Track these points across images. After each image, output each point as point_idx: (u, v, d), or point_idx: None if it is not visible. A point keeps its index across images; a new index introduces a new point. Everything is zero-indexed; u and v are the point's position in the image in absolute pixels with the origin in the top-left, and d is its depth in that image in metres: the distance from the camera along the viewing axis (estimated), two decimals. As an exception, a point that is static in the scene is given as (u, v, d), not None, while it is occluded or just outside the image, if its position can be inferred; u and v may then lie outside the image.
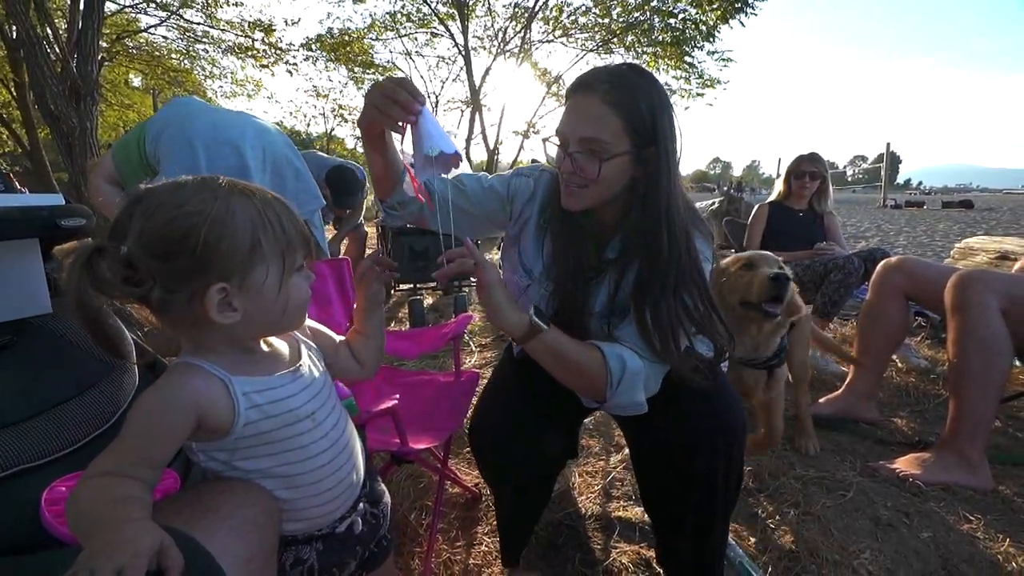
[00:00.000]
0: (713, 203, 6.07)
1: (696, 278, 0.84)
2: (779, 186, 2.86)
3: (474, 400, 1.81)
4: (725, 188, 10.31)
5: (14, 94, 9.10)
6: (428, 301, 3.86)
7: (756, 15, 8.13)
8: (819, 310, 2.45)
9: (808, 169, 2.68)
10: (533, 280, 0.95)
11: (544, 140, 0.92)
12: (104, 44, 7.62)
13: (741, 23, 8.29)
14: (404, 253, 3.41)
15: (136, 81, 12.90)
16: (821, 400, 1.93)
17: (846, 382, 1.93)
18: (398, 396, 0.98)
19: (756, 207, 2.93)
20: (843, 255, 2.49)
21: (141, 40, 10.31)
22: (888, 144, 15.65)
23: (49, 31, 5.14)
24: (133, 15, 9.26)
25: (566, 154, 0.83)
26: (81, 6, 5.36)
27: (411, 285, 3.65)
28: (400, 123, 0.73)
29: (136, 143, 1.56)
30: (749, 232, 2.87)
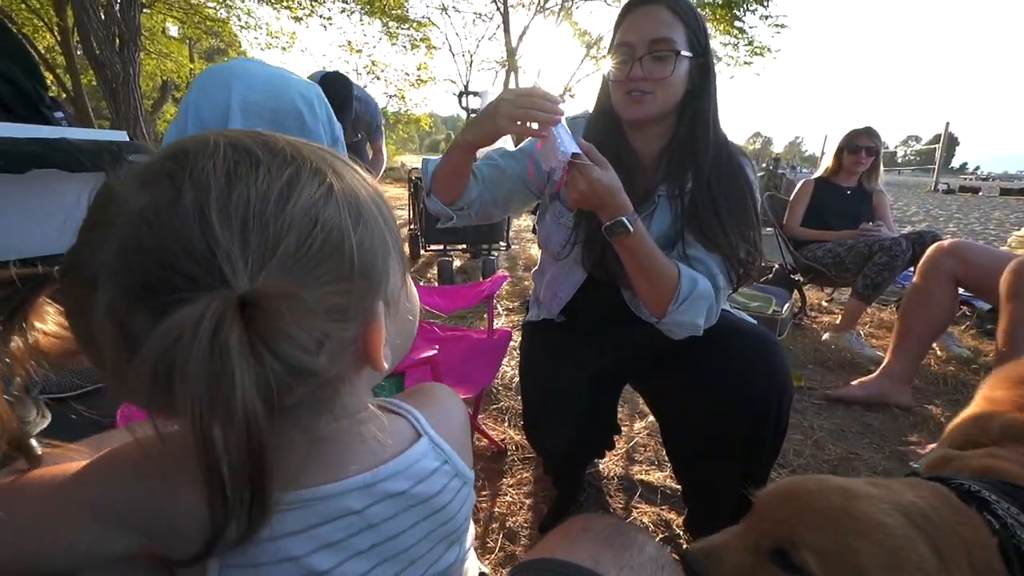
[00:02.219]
0: (752, 178, 5.83)
1: (746, 186, 0.92)
2: (827, 161, 2.73)
3: (505, 360, 1.85)
4: (764, 164, 9.84)
5: (58, 39, 9.25)
6: (456, 263, 3.89)
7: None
8: (859, 293, 2.36)
9: (864, 144, 2.54)
10: (584, 216, 0.95)
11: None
12: (143, -10, 7.64)
13: (800, -17, 7.69)
14: None
15: (173, 30, 12.93)
16: (854, 383, 1.90)
17: (882, 365, 1.88)
18: (437, 347, 1.01)
19: (800, 183, 2.81)
20: (890, 236, 2.39)
21: (178, -14, 10.26)
22: (947, 124, 14.67)
23: (93, -26, 5.18)
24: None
25: (634, 61, 0.87)
26: (123, -51, 5.34)
27: (441, 246, 3.69)
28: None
29: None
30: (790, 209, 2.76)
